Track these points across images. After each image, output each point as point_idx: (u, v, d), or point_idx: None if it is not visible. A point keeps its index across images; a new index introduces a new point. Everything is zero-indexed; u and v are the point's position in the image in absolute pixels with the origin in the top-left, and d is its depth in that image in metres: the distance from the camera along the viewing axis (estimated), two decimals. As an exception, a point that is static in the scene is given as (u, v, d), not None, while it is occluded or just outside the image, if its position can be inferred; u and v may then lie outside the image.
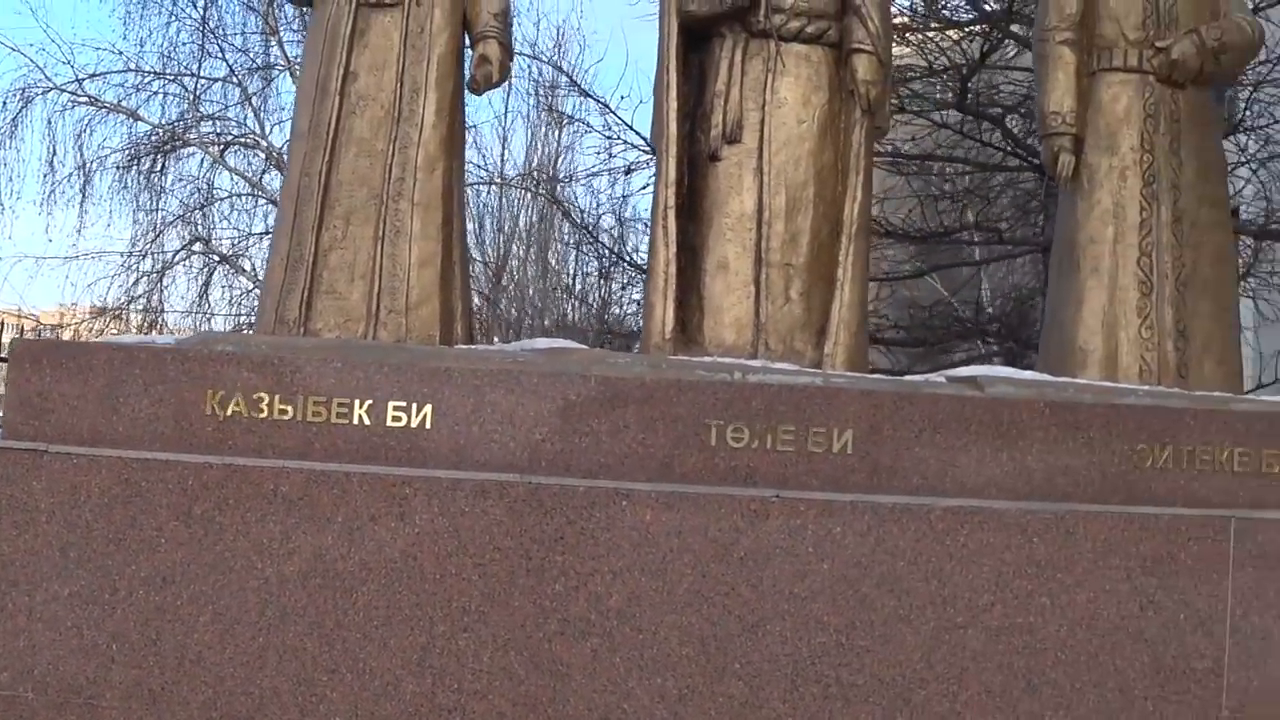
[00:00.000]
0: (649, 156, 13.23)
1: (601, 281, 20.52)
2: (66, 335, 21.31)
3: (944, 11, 13.41)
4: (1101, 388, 5.85)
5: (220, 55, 19.69)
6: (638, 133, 15.28)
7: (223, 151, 20.25)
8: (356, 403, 5.20)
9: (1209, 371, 6.37)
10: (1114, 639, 5.15)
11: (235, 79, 19.80)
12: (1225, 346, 6.49)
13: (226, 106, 20.09)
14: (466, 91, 6.31)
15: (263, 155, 20.01)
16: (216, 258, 20.25)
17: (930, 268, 15.62)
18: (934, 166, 15.02)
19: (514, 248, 23.06)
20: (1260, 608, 5.23)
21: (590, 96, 18.20)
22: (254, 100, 19.90)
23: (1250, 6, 11.41)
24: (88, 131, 19.53)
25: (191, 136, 19.95)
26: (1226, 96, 12.24)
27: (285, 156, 9.26)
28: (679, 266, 6.04)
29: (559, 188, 21.10)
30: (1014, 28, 13.42)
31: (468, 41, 6.31)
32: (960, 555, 5.10)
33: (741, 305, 6.07)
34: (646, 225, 7.71)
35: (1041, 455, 5.43)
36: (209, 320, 19.61)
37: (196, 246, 20.15)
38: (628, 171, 16.83)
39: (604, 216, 19.80)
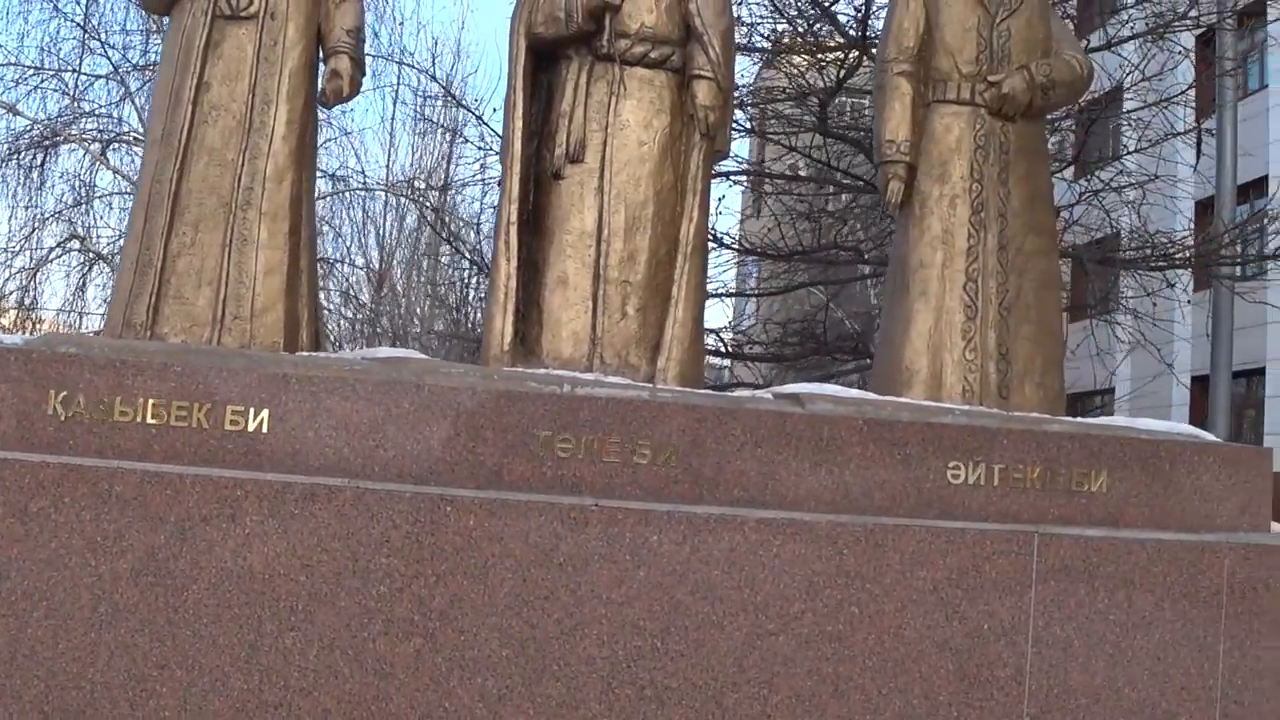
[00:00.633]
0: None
1: (464, 290, 20.52)
2: (-64, 330, 20.95)
3: (810, 36, 13.62)
4: (920, 407, 6.02)
5: (103, 52, 19.56)
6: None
7: (104, 149, 20.04)
8: (195, 406, 5.25)
9: (1029, 393, 6.62)
10: (920, 647, 5.29)
11: (117, 76, 19.65)
12: (1046, 369, 6.73)
13: (108, 104, 19.95)
14: (320, 104, 6.43)
15: (144, 154, 19.77)
16: (93, 255, 20.04)
17: (798, 284, 15.82)
18: (795, 187, 15.26)
19: (396, 257, 23.05)
20: (1061, 619, 5.42)
21: (464, 107, 18.26)
22: (136, 98, 19.68)
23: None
24: (-35, 125, 19.28)
25: (72, 133, 19.72)
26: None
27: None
28: (521, 281, 6.20)
29: (437, 196, 21.08)
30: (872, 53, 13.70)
31: (322, 55, 6.40)
32: (773, 565, 5.21)
33: (579, 320, 6.22)
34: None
35: (859, 470, 5.62)
36: (80, 318, 19.41)
37: (74, 244, 19.95)
38: (501, 183, 16.75)
39: (469, 228, 19.79)
